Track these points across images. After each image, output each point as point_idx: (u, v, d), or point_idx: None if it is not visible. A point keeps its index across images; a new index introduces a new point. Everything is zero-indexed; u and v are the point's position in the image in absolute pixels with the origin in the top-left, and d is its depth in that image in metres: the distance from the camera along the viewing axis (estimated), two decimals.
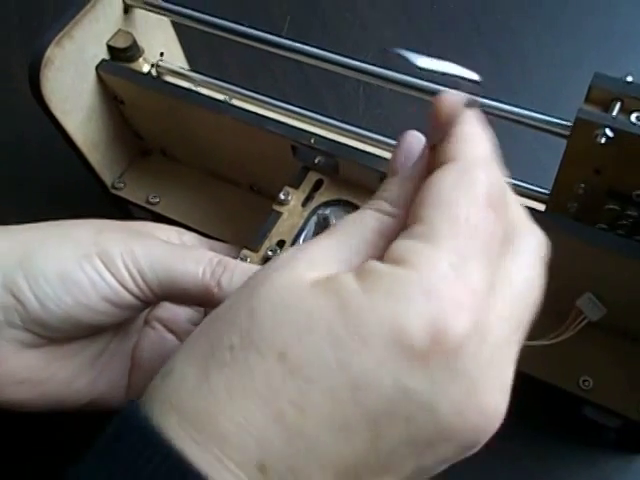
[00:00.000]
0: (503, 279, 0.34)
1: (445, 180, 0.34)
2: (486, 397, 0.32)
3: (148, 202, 0.75)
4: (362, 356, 0.30)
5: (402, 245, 0.33)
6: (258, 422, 0.31)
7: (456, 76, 0.37)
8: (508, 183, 0.36)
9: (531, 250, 0.36)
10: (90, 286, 0.48)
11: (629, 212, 0.55)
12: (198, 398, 0.32)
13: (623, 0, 0.94)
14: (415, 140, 0.39)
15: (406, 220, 0.35)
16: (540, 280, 0.36)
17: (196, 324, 0.49)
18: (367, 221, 0.37)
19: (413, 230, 0.33)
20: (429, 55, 0.38)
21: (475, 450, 0.34)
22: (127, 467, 0.31)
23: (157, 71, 0.73)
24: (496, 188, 0.34)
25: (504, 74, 0.89)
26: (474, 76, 0.36)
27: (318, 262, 0.35)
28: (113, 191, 0.77)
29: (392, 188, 0.38)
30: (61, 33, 0.63)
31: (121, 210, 0.78)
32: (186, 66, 0.79)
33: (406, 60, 0.38)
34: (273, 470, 0.30)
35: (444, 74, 0.37)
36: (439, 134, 0.36)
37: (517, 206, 0.37)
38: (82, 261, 0.48)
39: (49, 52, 0.63)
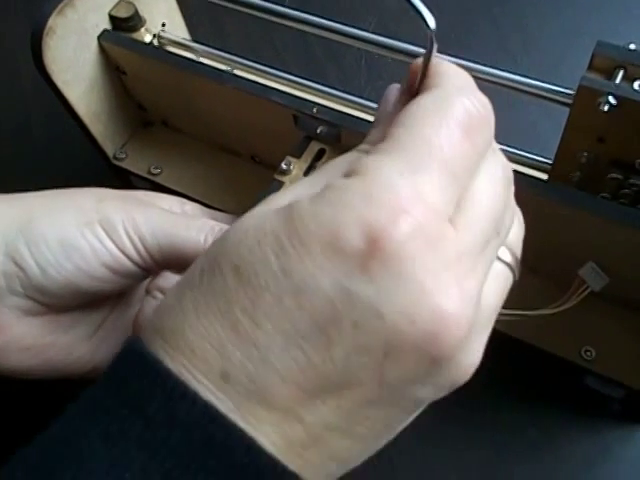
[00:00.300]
0: (466, 195, 0.34)
1: (420, 104, 0.35)
2: (436, 300, 0.31)
3: (150, 173, 0.76)
4: (303, 262, 0.31)
5: (360, 159, 0.33)
6: (218, 333, 0.32)
7: (416, 10, 0.36)
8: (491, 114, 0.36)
9: (495, 170, 0.37)
10: (91, 253, 0.49)
11: (632, 181, 0.55)
12: (171, 317, 0.34)
13: None
14: (392, 89, 0.40)
15: None
16: (506, 200, 0.37)
17: None
18: (346, 157, 0.37)
19: (376, 146, 0.34)
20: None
21: (448, 370, 0.34)
22: (119, 381, 0.33)
23: (159, 42, 0.74)
24: (475, 116, 0.34)
25: (506, 45, 0.90)
26: (431, 22, 0.36)
27: (295, 194, 0.35)
28: (115, 162, 0.78)
29: (371, 131, 0.39)
30: (63, 2, 0.63)
31: (123, 181, 0.79)
32: (188, 37, 0.80)
33: None
34: (235, 380, 0.32)
35: (408, 1, 0.36)
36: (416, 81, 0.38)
37: (490, 136, 0.37)
38: (83, 228, 0.49)
39: (51, 21, 0.63)
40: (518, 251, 0.39)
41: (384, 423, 0.36)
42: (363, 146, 0.38)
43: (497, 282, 0.37)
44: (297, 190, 0.36)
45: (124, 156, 0.78)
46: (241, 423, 0.32)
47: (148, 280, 0.56)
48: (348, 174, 0.33)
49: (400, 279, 0.31)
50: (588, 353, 0.59)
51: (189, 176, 0.76)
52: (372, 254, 0.31)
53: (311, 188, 0.35)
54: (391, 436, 0.38)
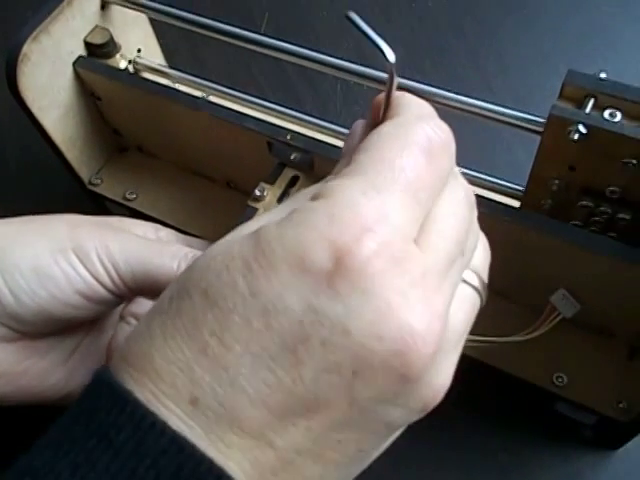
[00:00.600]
0: (430, 218, 0.35)
1: (382, 131, 0.36)
2: (402, 316, 0.32)
3: (125, 198, 0.77)
4: (270, 282, 0.32)
5: (325, 184, 0.34)
6: (186, 357, 0.33)
7: (376, 46, 0.37)
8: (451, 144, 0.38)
9: (457, 193, 0.38)
10: (65, 280, 0.49)
11: (603, 208, 0.56)
12: (139, 343, 0.34)
13: None
14: (358, 124, 0.41)
15: None
16: (470, 221, 0.38)
17: None
18: (314, 186, 0.38)
19: (340, 172, 0.35)
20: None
21: (418, 391, 0.35)
22: (87, 411, 0.33)
23: (134, 67, 0.74)
24: (436, 141, 0.36)
25: (482, 72, 0.91)
26: (391, 56, 0.37)
27: (264, 221, 0.36)
28: (90, 187, 0.78)
29: (338, 164, 0.40)
30: (38, 29, 0.64)
31: (98, 206, 0.80)
32: (164, 63, 0.80)
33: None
34: (204, 404, 0.32)
35: (367, 37, 0.37)
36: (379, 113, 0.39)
37: (451, 161, 0.38)
38: (57, 255, 0.50)
39: (26, 47, 0.63)
40: (484, 275, 0.40)
41: (356, 448, 0.36)
42: (330, 177, 0.39)
43: (464, 305, 0.38)
44: (266, 217, 0.37)
45: (99, 181, 0.78)
46: (211, 451, 0.32)
47: (122, 306, 0.56)
48: (313, 198, 0.34)
49: (366, 296, 0.32)
50: (560, 379, 0.59)
51: (164, 201, 0.76)
52: (338, 272, 0.32)
53: (279, 215, 0.35)
54: (364, 464, 0.38)
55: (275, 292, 0.32)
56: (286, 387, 0.32)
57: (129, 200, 0.77)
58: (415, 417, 0.37)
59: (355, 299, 0.32)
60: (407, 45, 0.95)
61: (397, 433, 0.39)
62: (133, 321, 0.56)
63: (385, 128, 0.36)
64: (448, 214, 0.36)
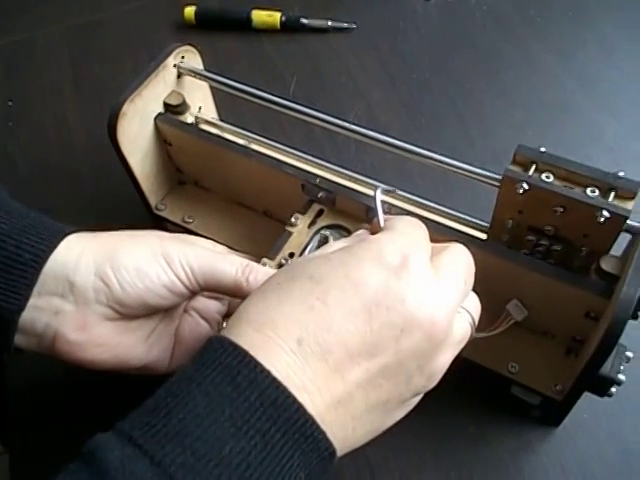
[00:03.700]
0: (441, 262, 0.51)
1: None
2: (435, 304, 0.46)
3: (184, 221, 0.86)
4: (359, 269, 0.46)
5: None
6: (297, 313, 0.44)
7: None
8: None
9: (455, 258, 0.53)
10: (156, 277, 0.59)
11: (542, 242, 0.65)
12: (258, 307, 0.46)
13: (567, 77, 1.09)
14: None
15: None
16: (468, 272, 0.53)
17: (222, 314, 0.64)
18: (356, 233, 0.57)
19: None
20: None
21: (435, 358, 0.47)
22: (208, 358, 0.43)
23: (196, 120, 0.85)
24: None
25: (467, 133, 1.02)
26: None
27: (338, 246, 0.52)
28: (156, 211, 0.88)
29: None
30: (134, 93, 0.76)
31: (159, 227, 0.87)
32: (216, 116, 0.91)
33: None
34: (306, 343, 0.43)
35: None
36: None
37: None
38: (151, 259, 0.59)
39: (125, 107, 0.75)
40: (476, 317, 0.54)
41: (386, 398, 0.46)
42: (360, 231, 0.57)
43: (461, 328, 0.52)
44: (339, 244, 0.53)
45: (164, 207, 0.88)
46: (300, 376, 0.42)
47: (185, 302, 0.67)
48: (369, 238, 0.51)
49: (418, 283, 0.46)
50: (513, 367, 0.68)
51: (215, 225, 0.85)
52: (402, 267, 0.46)
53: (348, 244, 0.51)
54: (382, 424, 0.49)
55: (362, 275, 0.45)
56: (360, 334, 0.44)
57: (187, 223, 0.86)
58: (421, 386, 0.48)
59: (411, 284, 0.45)
60: (408, 108, 1.06)
61: (403, 411, 0.50)
62: (194, 314, 0.67)
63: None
64: (453, 261, 0.52)
